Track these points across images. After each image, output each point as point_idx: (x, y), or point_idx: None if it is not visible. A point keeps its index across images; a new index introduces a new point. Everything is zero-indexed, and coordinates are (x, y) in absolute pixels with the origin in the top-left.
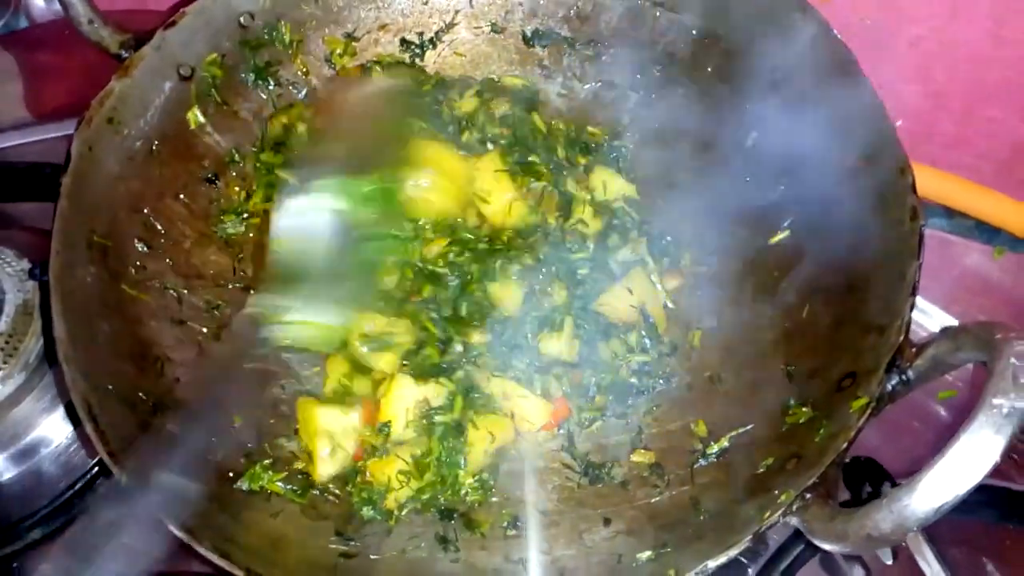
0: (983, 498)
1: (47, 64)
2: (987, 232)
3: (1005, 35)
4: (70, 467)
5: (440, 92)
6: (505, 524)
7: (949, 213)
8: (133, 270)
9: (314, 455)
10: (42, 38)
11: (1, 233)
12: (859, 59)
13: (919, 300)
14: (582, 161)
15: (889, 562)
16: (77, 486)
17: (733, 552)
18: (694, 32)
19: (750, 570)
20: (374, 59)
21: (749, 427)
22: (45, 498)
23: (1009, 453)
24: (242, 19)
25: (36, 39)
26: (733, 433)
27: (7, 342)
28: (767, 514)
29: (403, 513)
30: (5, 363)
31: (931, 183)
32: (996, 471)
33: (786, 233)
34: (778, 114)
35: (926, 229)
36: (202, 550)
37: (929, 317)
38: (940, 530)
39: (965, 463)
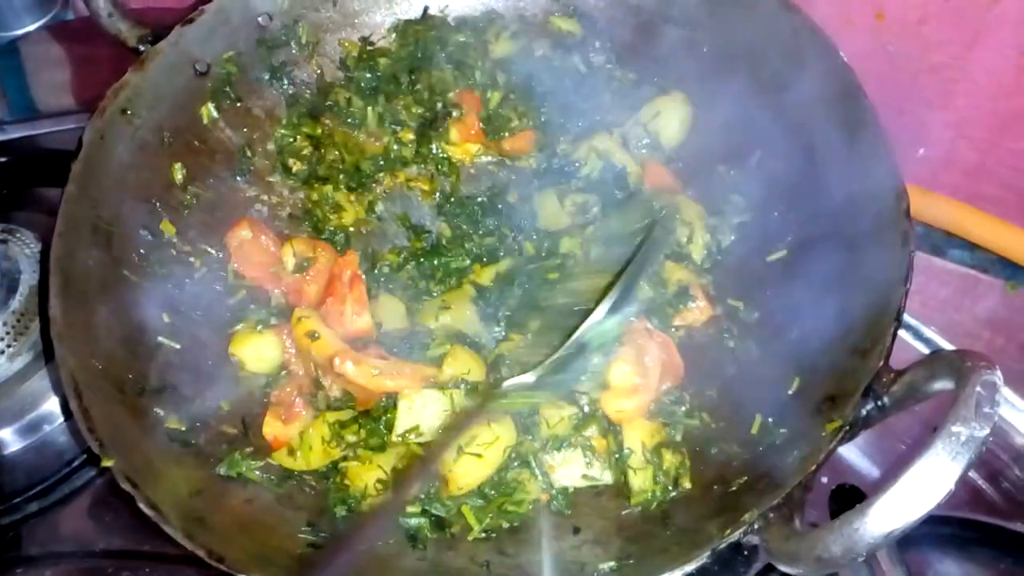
0: (977, 535)
1: (92, 55)
2: (1009, 267)
3: None
4: (72, 443)
5: (473, 35)
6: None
7: (971, 246)
8: (136, 257)
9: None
10: (88, 30)
11: (26, 215)
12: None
13: (935, 336)
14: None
15: None
16: (76, 462)
17: (689, 567)
18: (704, 50)
19: None
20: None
21: (727, 445)
22: (47, 472)
23: (1006, 491)
24: (260, 19)
25: (82, 30)
26: (713, 450)
27: (19, 320)
28: (728, 531)
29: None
30: (16, 340)
31: (949, 214)
32: (992, 509)
33: (783, 252)
34: (783, 135)
35: (948, 263)
36: (167, 528)
37: None
38: (927, 567)
39: (919, 490)
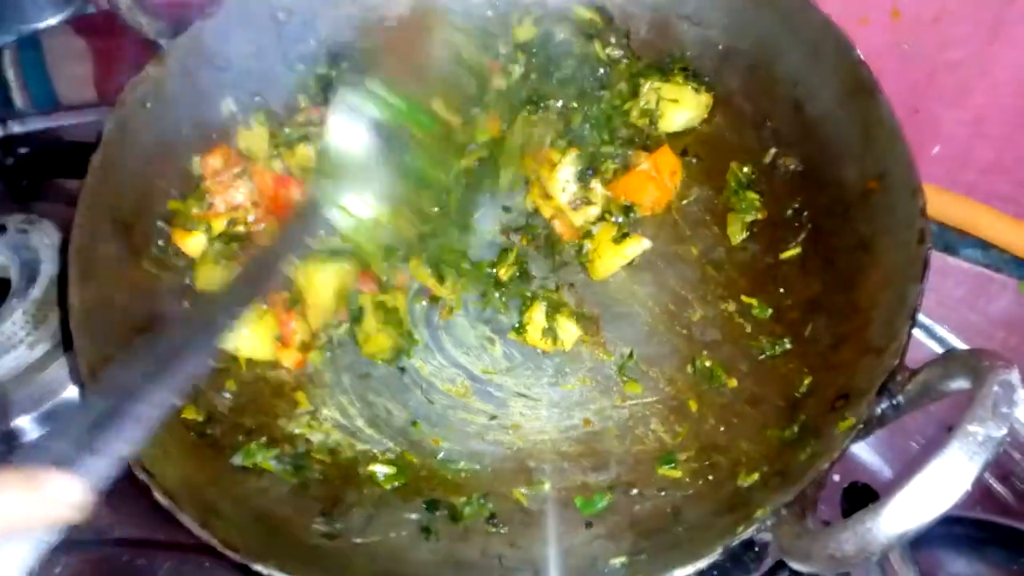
0: (989, 536)
1: (113, 48)
2: (1023, 267)
3: None
4: None
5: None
6: (487, 519)
7: (985, 245)
8: (154, 249)
9: None
10: (109, 23)
11: (47, 206)
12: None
13: (948, 335)
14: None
15: None
16: None
17: (701, 563)
18: (719, 47)
19: None
20: None
21: (739, 442)
22: None
23: (1019, 492)
24: (279, 15)
25: (104, 24)
26: (724, 447)
27: (39, 309)
28: (740, 528)
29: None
30: (36, 329)
31: (963, 213)
32: (1005, 510)
33: (797, 250)
34: (798, 132)
35: (962, 262)
36: (182, 518)
37: None
38: (939, 567)
39: (934, 489)
